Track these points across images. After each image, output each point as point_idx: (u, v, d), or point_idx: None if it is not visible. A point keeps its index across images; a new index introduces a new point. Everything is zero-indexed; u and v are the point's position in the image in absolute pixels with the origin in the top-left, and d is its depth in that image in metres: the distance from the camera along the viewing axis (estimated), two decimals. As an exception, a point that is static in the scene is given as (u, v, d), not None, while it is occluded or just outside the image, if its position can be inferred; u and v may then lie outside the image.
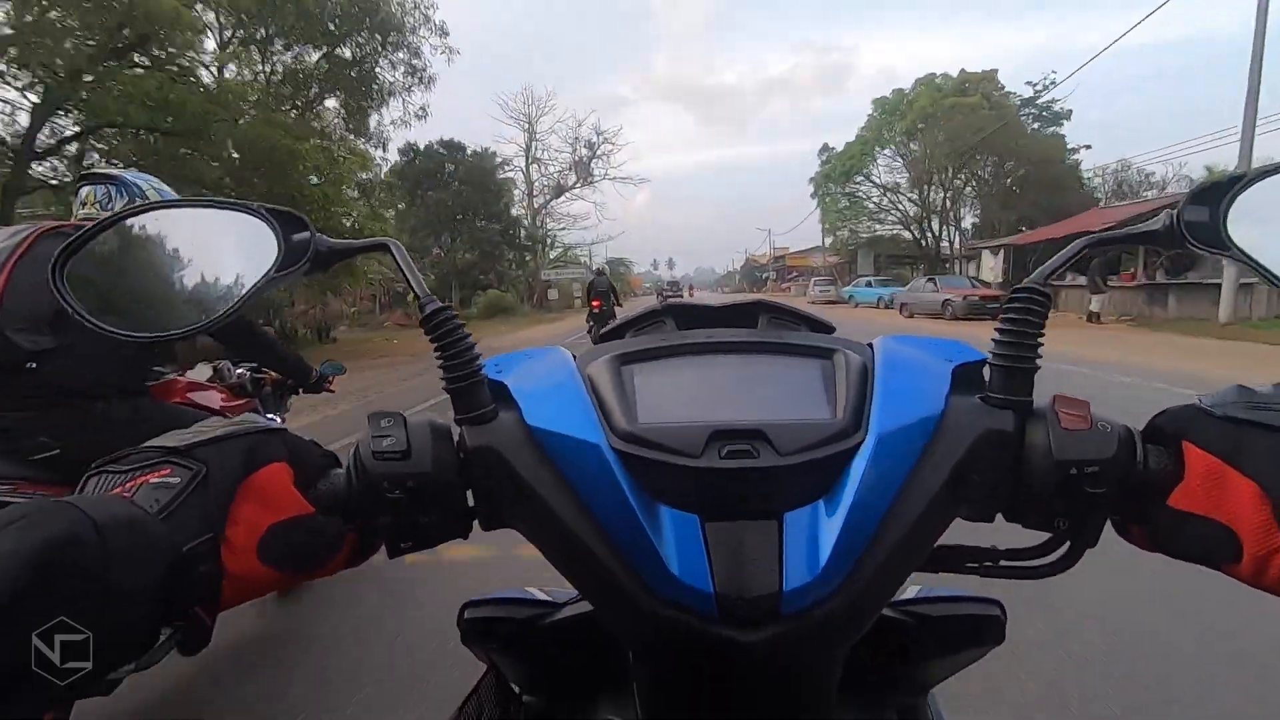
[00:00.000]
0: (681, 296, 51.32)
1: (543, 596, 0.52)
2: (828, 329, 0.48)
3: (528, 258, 36.38)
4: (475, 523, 0.40)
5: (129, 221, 0.40)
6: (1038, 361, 0.38)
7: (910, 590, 0.51)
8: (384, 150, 17.32)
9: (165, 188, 1.95)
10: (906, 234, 32.97)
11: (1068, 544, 0.40)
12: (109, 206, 1.81)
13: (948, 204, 30.31)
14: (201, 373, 2.36)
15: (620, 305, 10.78)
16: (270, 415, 2.41)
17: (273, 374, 2.46)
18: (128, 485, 0.32)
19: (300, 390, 2.54)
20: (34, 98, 9.74)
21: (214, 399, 2.11)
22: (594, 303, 10.19)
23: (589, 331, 10.44)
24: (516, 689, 0.53)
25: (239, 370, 2.40)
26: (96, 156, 10.78)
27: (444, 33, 16.48)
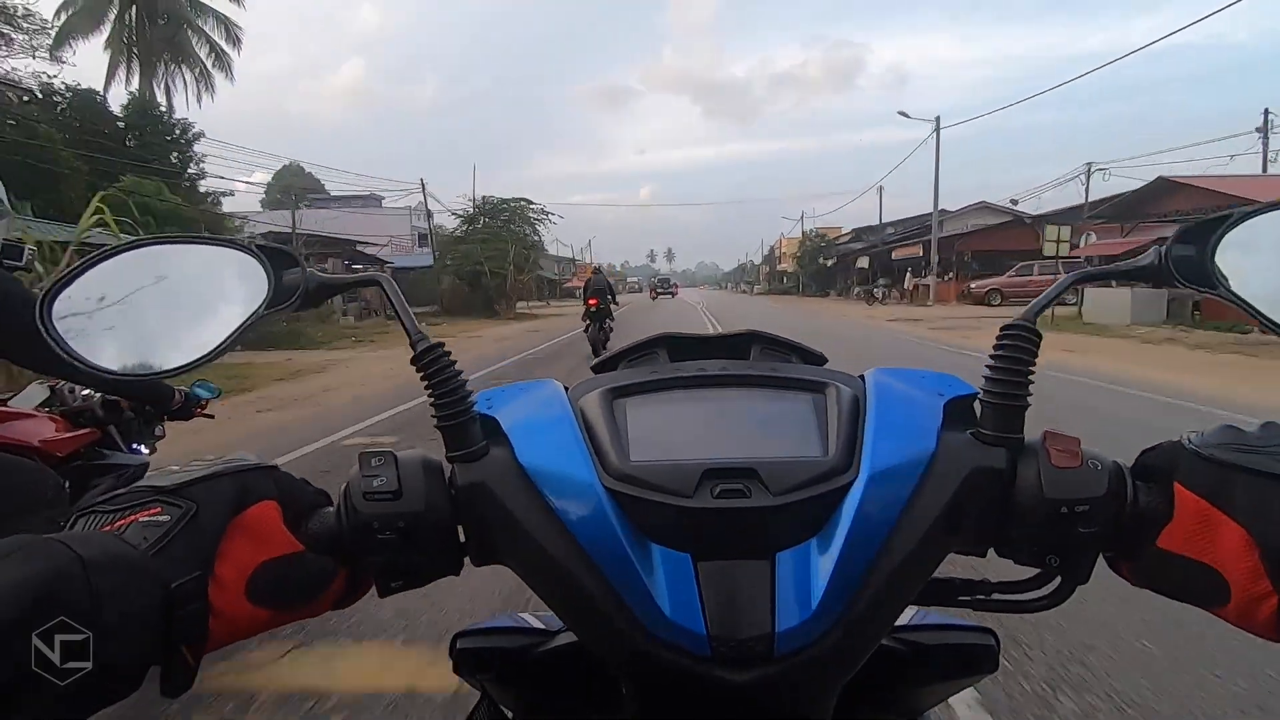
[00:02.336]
0: (673, 293, 51.38)
1: (536, 624, 0.52)
2: (819, 360, 0.48)
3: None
4: (466, 558, 0.40)
5: (118, 258, 0.40)
6: (1028, 399, 0.38)
7: (904, 615, 0.51)
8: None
9: None
10: None
11: (1059, 579, 0.40)
12: None
13: None
14: (34, 395, 1.88)
15: (616, 304, 10.86)
16: (135, 445, 2.02)
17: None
18: (117, 524, 0.32)
19: (164, 417, 2.05)
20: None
21: (38, 430, 1.69)
22: (590, 300, 10.45)
23: (585, 330, 10.60)
24: (510, 714, 0.53)
25: (86, 392, 1.91)
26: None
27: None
